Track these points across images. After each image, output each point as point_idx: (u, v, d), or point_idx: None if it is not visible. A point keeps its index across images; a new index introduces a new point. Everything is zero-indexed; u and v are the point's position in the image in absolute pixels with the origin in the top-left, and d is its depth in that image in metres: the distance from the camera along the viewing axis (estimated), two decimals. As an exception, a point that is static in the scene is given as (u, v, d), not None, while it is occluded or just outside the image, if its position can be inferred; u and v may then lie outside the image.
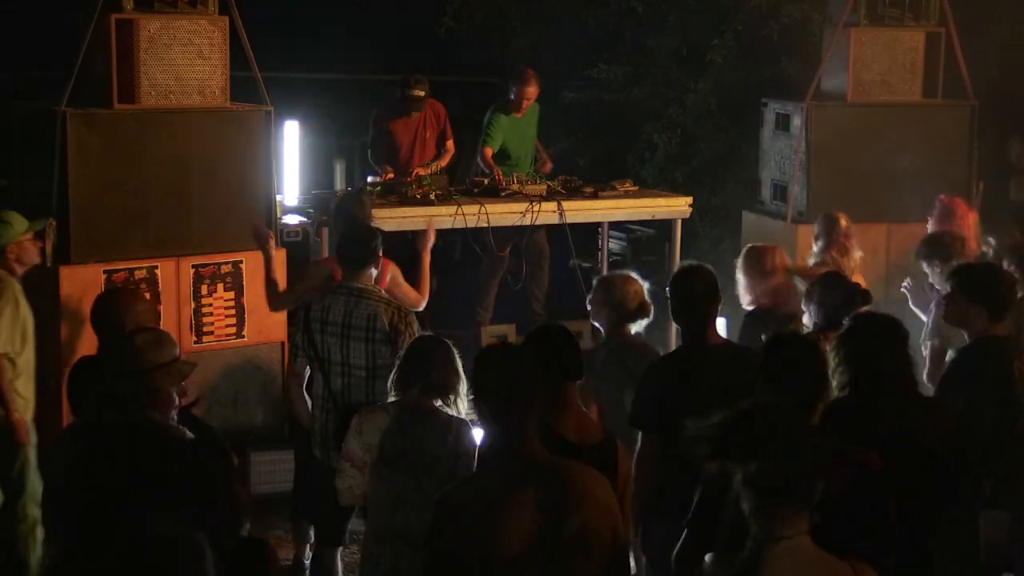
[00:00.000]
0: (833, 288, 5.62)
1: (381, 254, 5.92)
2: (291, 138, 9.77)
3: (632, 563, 5.30)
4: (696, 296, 5.06)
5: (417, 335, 5.45)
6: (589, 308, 5.90)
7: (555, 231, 8.77)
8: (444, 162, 8.93)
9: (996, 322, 5.18)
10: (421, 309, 6.61)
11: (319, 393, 5.74)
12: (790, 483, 3.19)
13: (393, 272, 6.51)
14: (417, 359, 4.93)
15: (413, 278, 6.71)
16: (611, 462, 4.32)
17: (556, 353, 4.44)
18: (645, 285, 5.84)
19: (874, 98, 8.55)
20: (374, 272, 5.87)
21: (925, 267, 6.73)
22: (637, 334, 5.82)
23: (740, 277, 6.37)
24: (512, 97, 9.09)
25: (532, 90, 9.05)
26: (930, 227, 7.40)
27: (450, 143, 9.12)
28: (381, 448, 4.83)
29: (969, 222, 7.33)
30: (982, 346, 5.15)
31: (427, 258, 6.95)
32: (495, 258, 8.86)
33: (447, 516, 3.70)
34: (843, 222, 7.13)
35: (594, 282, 6.03)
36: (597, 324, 5.89)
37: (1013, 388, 5.00)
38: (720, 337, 5.22)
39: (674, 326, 6.92)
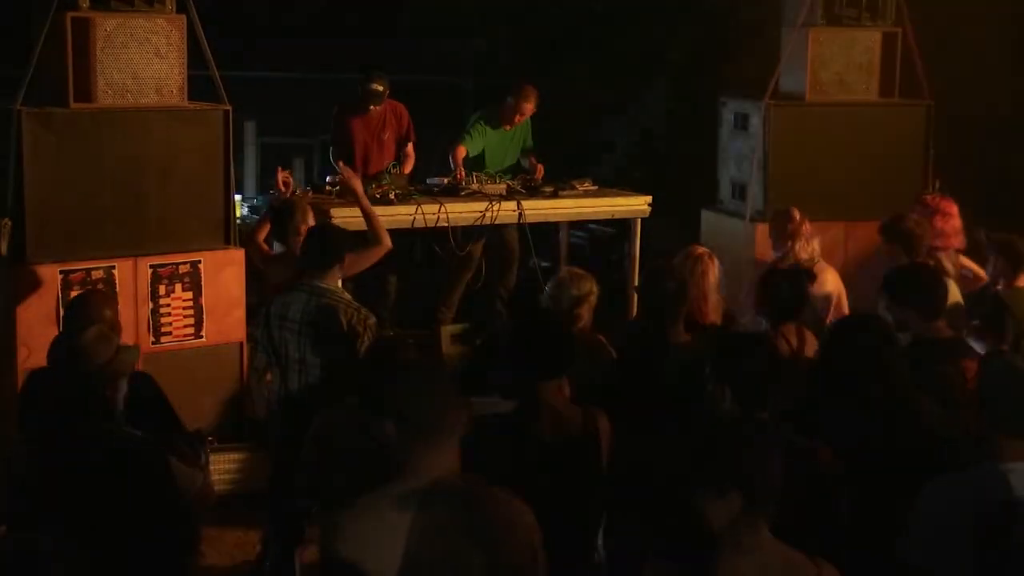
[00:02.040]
0: (777, 281, 5.69)
1: (345, 258, 5.90)
2: (249, 137, 9.75)
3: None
4: (666, 295, 5.12)
5: (376, 337, 5.44)
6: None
7: (518, 230, 8.77)
8: (407, 168, 8.85)
9: (931, 322, 5.20)
10: (390, 247, 6.73)
11: (277, 390, 5.75)
12: (752, 494, 3.26)
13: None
14: (380, 364, 4.91)
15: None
16: (593, 451, 4.31)
17: (530, 349, 4.35)
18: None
19: (832, 97, 8.60)
20: (339, 275, 5.86)
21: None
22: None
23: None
24: (505, 109, 9.00)
25: (530, 107, 8.96)
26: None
27: (410, 147, 9.05)
28: (339, 452, 4.81)
29: (955, 215, 7.35)
30: (918, 349, 5.14)
31: (365, 201, 7.00)
32: (460, 257, 8.82)
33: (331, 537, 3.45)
34: (796, 214, 7.19)
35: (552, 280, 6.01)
36: None
37: (952, 391, 5.01)
38: (687, 335, 5.25)
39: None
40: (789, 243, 7.12)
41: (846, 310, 6.92)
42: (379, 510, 3.39)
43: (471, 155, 8.87)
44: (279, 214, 6.93)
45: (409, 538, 3.32)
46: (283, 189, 7.34)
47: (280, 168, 7.44)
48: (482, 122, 8.98)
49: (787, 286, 5.64)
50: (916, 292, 5.22)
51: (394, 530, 3.33)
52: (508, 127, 9.01)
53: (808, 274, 5.80)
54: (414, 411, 3.41)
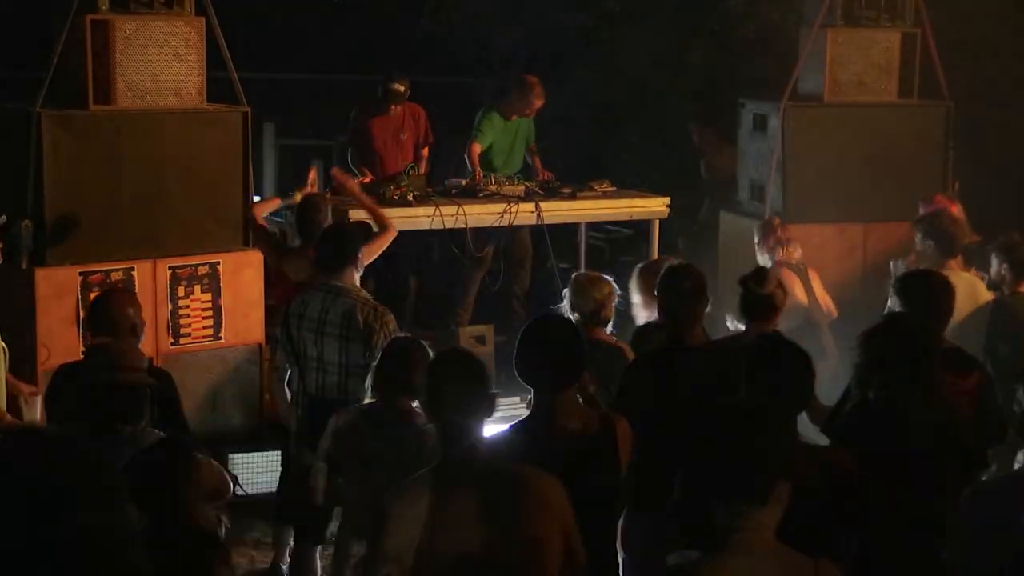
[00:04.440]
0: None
1: (360, 255, 5.94)
2: (268, 139, 9.78)
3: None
4: (684, 295, 5.10)
5: (393, 335, 5.46)
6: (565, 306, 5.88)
7: (533, 231, 8.78)
8: (421, 170, 8.89)
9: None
10: (396, 232, 7.14)
11: (295, 389, 5.79)
12: (749, 479, 3.24)
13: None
14: (396, 361, 4.94)
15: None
16: (609, 455, 4.29)
17: (546, 360, 4.30)
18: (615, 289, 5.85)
19: (850, 98, 8.58)
20: (355, 273, 5.90)
21: (918, 243, 6.74)
22: (612, 333, 5.84)
23: (636, 296, 6.13)
24: (513, 100, 9.05)
25: (539, 101, 9.03)
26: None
27: (425, 151, 9.11)
28: (357, 449, 4.84)
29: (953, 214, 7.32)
30: None
31: (362, 198, 7.47)
32: (475, 258, 8.85)
33: (388, 515, 3.68)
34: (777, 221, 7.46)
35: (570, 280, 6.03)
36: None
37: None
38: (704, 336, 5.23)
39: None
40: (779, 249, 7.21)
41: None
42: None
43: (484, 148, 8.92)
44: (303, 210, 7.10)
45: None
46: (309, 187, 7.58)
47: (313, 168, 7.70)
48: (491, 115, 9.02)
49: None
50: (925, 299, 5.17)
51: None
52: (513, 117, 9.06)
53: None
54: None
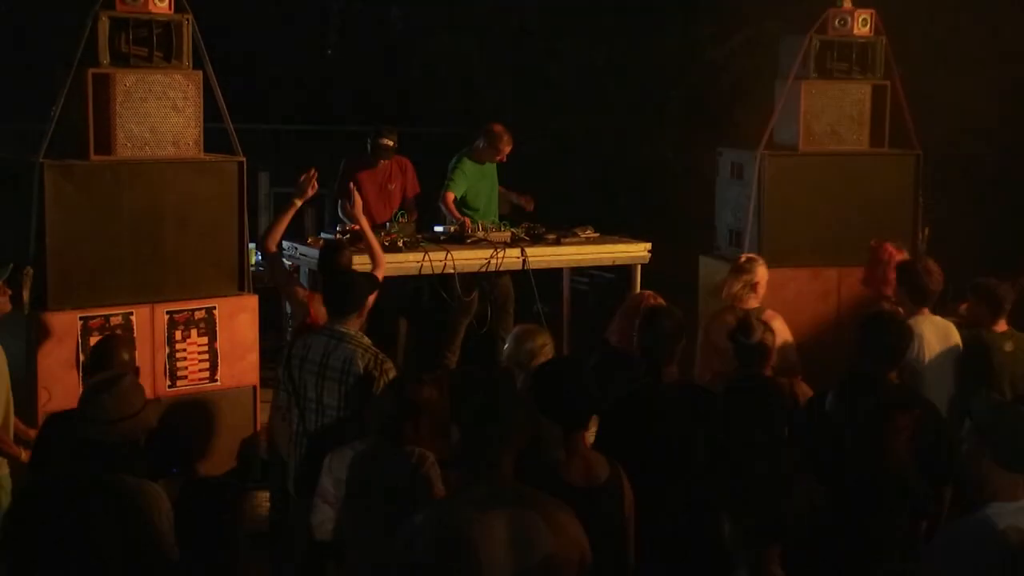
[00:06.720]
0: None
1: (366, 303, 6.12)
2: (263, 188, 9.97)
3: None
4: (664, 335, 5.32)
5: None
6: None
7: (519, 276, 8.99)
8: (411, 218, 9.13)
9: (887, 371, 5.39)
10: (384, 267, 7.18)
11: (294, 429, 5.95)
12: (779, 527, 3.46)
13: None
14: (390, 398, 5.10)
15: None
16: (618, 499, 4.39)
17: (560, 400, 4.40)
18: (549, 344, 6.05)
19: (824, 147, 8.79)
20: (359, 320, 6.06)
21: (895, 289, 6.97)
22: None
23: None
24: (483, 146, 9.28)
25: (508, 148, 9.28)
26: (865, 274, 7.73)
27: (412, 202, 9.34)
28: (349, 482, 4.99)
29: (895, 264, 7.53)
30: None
31: (364, 223, 7.48)
32: (461, 303, 9.06)
33: (410, 539, 3.76)
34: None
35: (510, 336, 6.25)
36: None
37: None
38: (677, 375, 5.44)
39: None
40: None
41: None
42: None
43: (458, 197, 9.15)
44: (326, 252, 7.16)
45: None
46: (307, 183, 7.49)
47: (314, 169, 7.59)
48: (462, 164, 9.25)
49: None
50: (882, 340, 5.41)
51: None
52: (486, 163, 9.30)
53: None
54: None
